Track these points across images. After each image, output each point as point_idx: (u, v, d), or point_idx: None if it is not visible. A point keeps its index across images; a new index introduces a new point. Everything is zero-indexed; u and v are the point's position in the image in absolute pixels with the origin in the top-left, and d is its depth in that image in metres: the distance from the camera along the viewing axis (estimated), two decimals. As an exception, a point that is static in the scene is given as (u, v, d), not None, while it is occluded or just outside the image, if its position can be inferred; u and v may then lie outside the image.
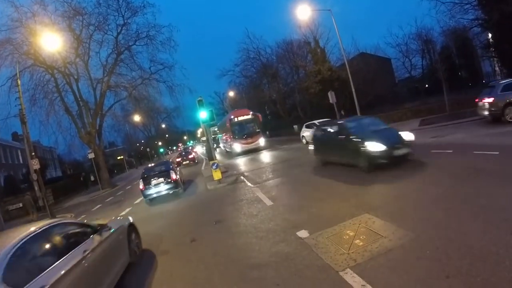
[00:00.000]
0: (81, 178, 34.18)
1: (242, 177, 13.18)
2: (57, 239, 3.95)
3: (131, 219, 6.47)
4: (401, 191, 6.43)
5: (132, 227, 6.18)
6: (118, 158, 65.06)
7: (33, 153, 15.58)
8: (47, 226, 3.90)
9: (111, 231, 5.07)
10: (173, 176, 12.47)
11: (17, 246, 3.23)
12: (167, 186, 12.33)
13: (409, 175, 7.40)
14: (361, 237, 4.55)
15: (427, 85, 39.34)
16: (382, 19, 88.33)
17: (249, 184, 11.41)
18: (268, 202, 8.08)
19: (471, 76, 36.74)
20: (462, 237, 3.87)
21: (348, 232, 4.83)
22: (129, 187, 24.38)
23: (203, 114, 12.98)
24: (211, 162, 13.08)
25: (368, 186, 7.41)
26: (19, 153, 41.92)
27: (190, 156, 32.29)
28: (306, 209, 6.68)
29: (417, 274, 3.31)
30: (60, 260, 3.50)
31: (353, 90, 21.85)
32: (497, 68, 31.73)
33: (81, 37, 26.69)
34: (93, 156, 26.27)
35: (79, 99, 27.42)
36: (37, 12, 23.74)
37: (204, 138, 16.00)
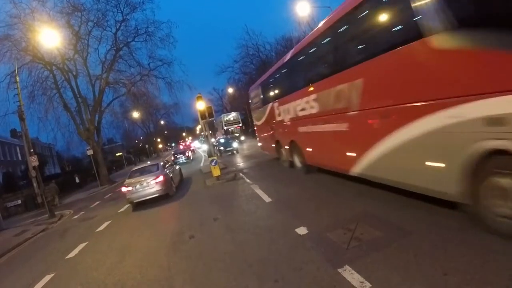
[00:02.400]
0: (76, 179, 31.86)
1: (241, 174, 13.19)
2: (167, 165, 13.68)
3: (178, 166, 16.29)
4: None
5: (180, 168, 16.58)
6: (117, 154, 65.04)
7: (31, 150, 15.51)
8: (168, 163, 14.60)
9: (177, 167, 15.92)
10: (160, 179, 11.49)
11: (161, 163, 13.00)
12: (154, 189, 11.33)
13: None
14: (360, 234, 4.55)
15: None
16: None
17: (247, 180, 11.43)
18: (267, 199, 8.10)
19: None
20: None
21: (347, 228, 4.84)
22: None
23: (202, 110, 12.97)
24: (210, 159, 13.13)
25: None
26: (18, 150, 41.84)
27: (186, 154, 33.19)
28: (305, 206, 6.70)
29: (416, 270, 3.32)
30: (170, 169, 13.32)
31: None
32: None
33: (79, 34, 26.62)
34: (92, 153, 26.27)
35: (78, 96, 27.35)
36: (36, 9, 23.71)
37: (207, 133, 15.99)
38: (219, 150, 25.35)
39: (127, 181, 11.80)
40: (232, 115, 46.21)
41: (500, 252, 3.26)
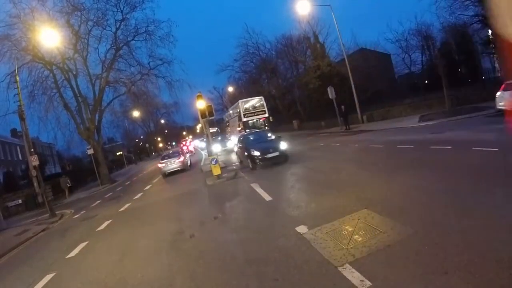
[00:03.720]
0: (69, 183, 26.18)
1: (241, 172, 13.20)
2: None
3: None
4: (400, 186, 6.45)
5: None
6: (117, 153, 65.12)
7: (32, 150, 15.51)
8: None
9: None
10: (181, 159, 21.36)
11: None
12: (177, 165, 21.14)
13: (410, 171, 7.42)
14: (360, 232, 4.55)
15: (426, 81, 39.20)
16: (382, 14, 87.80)
17: (247, 179, 11.43)
18: (267, 197, 8.10)
19: (470, 72, 36.60)
20: (460, 233, 3.88)
21: (347, 227, 4.84)
22: (128, 182, 24.41)
23: (202, 109, 12.97)
24: (210, 158, 13.15)
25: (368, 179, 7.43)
26: (18, 150, 41.92)
27: (178, 160, 21.18)
28: (305, 204, 6.70)
29: (416, 270, 3.32)
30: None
31: (353, 85, 21.83)
32: (496, 65, 31.65)
33: (79, 33, 26.64)
34: (92, 152, 26.32)
35: (78, 95, 27.40)
36: (36, 8, 23.71)
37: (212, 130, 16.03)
38: (250, 156, 13.47)
39: (161, 161, 21.29)
40: (255, 101, 28.99)
41: (500, 250, 3.26)
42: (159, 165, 21.21)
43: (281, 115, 44.17)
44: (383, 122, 21.17)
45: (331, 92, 22.75)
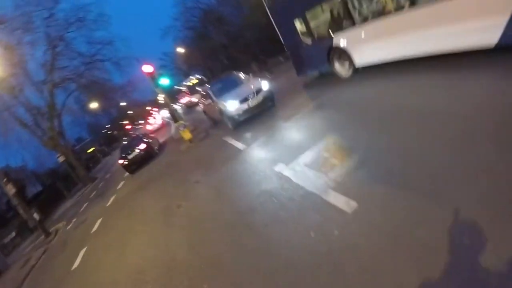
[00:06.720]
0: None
1: (211, 130, 12.87)
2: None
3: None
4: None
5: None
6: (88, 151, 63.59)
7: (5, 179, 14.75)
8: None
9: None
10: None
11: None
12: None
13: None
14: (336, 156, 4.53)
15: None
16: None
17: (219, 135, 11.03)
18: (241, 146, 7.97)
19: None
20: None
21: (322, 154, 4.80)
22: (108, 175, 24.23)
23: (151, 72, 12.21)
24: (176, 124, 12.85)
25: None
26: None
27: (141, 147, 16.70)
28: (278, 144, 6.63)
29: (397, 177, 3.30)
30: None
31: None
32: None
33: (11, 45, 24.39)
34: (64, 158, 25.57)
35: (31, 109, 25.86)
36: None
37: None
38: (225, 112, 10.03)
39: (122, 155, 16.43)
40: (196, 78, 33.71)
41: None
42: (119, 162, 16.56)
43: (239, 61, 42.76)
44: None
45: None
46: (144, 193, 10.05)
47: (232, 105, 9.55)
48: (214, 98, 10.86)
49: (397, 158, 3.65)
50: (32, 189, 49.37)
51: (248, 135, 8.70)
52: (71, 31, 27.54)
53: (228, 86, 10.80)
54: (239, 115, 9.57)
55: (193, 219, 5.53)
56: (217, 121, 12.41)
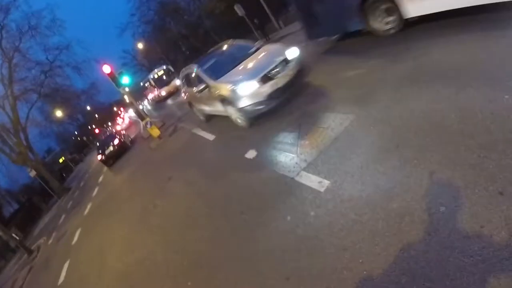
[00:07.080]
0: None
1: (180, 124, 12.47)
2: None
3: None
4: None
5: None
6: (60, 161, 61.69)
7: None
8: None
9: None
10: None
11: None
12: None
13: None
14: (305, 136, 4.49)
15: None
16: None
17: (188, 128, 10.72)
18: (210, 137, 7.86)
19: None
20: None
21: (291, 135, 4.78)
22: (82, 184, 23.61)
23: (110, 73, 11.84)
24: (143, 122, 12.60)
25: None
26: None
27: (115, 142, 18.58)
28: (247, 132, 6.46)
29: (369, 152, 3.30)
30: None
31: (260, -6, 20.64)
32: None
33: None
34: (35, 173, 24.56)
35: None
36: None
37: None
38: (234, 104, 6.14)
39: (99, 151, 18.11)
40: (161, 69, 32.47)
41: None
42: (98, 158, 18.52)
43: (200, 51, 42.08)
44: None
45: (239, 10, 21.49)
46: (120, 198, 9.82)
47: (246, 89, 5.80)
48: (210, 81, 6.85)
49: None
50: (9, 208, 47.63)
51: (217, 127, 8.26)
52: (26, 41, 26.55)
53: (231, 60, 7.08)
54: (260, 103, 5.84)
55: (170, 217, 5.49)
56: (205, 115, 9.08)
